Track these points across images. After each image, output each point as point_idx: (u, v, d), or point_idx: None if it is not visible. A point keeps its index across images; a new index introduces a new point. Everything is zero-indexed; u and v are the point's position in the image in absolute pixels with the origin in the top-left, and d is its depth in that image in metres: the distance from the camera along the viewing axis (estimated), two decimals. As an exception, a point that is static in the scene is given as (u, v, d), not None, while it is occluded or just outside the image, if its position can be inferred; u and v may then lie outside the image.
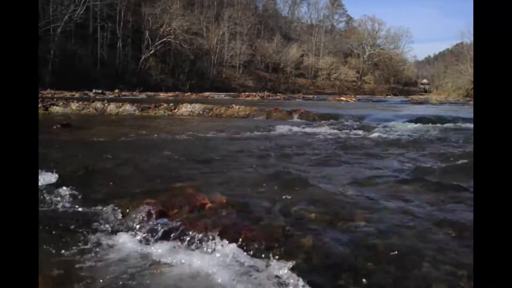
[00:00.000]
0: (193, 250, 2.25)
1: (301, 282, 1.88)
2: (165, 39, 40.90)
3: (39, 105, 11.86)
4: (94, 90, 24.44)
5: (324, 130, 8.10)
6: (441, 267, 1.79)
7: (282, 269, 2.01)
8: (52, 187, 3.47)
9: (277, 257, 2.14)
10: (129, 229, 2.62)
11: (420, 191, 3.44)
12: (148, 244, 2.35)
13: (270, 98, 28.37)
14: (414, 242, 2.22)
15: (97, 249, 2.27)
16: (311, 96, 35.94)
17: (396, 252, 2.06)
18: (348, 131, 8.07)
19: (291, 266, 2.04)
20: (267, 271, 2.00)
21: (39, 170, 3.80)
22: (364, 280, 1.84)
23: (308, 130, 8.16)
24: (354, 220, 2.64)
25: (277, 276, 2.00)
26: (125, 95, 23.89)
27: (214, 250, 2.26)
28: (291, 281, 1.91)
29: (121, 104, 12.76)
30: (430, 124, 9.08)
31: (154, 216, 2.73)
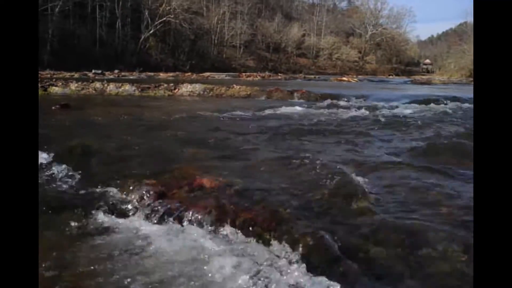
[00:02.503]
0: (192, 230, 2.22)
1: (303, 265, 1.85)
2: (164, 18, 40.33)
3: (38, 86, 11.75)
4: (93, 71, 24.23)
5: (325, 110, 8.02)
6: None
7: (282, 251, 1.98)
8: (49, 168, 3.43)
9: (277, 239, 2.12)
10: (127, 210, 2.59)
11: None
12: (147, 224, 2.32)
13: (271, 78, 28.15)
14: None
15: (95, 230, 2.24)
16: (312, 76, 35.66)
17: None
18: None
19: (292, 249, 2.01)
20: (266, 253, 1.97)
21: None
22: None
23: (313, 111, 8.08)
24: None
25: (277, 256, 1.98)
26: (124, 76, 23.70)
27: (213, 231, 2.24)
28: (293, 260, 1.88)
29: (120, 84, 12.64)
30: (432, 104, 8.99)
31: (153, 196, 2.70)
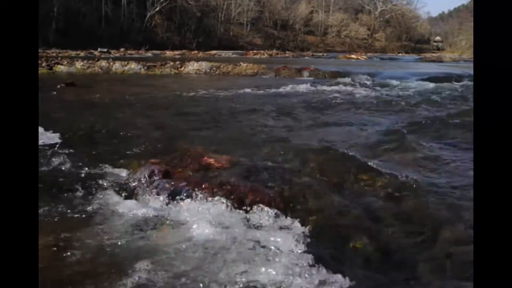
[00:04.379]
0: (197, 210, 2.16)
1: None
2: (170, -5, 39.72)
3: (43, 64, 11.68)
4: (99, 49, 24.03)
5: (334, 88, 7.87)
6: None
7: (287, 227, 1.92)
8: (54, 147, 3.38)
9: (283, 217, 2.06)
10: (132, 189, 2.53)
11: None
12: (152, 204, 2.26)
13: (279, 56, 27.79)
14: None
15: (100, 210, 2.19)
16: (320, 54, 35.17)
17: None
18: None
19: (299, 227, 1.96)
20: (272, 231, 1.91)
21: (42, 130, 3.71)
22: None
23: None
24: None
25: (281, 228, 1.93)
26: (130, 54, 23.50)
27: (220, 211, 2.18)
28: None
29: (126, 62, 12.52)
30: (445, 83, 8.78)
31: (158, 176, 2.63)
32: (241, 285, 1.49)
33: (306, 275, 1.55)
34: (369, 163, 2.83)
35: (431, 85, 8.47)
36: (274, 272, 1.55)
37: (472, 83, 8.69)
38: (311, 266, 1.62)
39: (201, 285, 1.50)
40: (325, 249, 1.81)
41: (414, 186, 2.46)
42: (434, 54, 45.48)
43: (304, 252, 1.73)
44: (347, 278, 1.54)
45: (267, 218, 2.05)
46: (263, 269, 1.57)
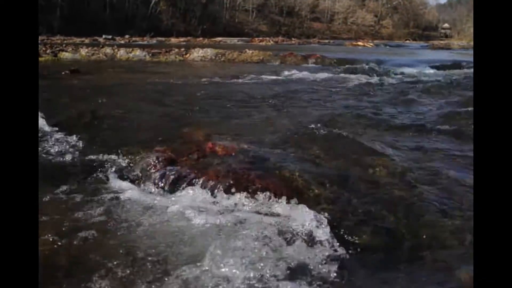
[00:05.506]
0: (202, 198, 2.12)
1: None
2: (175, -19, 39.33)
3: (48, 51, 11.63)
4: (104, 36, 23.94)
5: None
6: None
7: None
8: (58, 133, 3.35)
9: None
10: (136, 177, 2.50)
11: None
12: (156, 192, 2.23)
13: (285, 43, 27.54)
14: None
15: (103, 198, 2.15)
16: (327, 41, 34.83)
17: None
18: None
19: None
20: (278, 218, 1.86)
21: (45, 117, 3.67)
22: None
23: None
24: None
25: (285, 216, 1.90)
26: (135, 41, 23.38)
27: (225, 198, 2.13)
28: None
29: (131, 49, 12.44)
30: (456, 70, 8.63)
31: (163, 163, 2.59)
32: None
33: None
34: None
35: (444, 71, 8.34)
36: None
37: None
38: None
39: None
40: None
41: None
42: (442, 41, 44.86)
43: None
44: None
45: (276, 205, 2.01)
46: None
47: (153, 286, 1.42)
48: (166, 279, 1.45)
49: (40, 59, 10.65)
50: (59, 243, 1.67)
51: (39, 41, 15.03)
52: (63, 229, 1.79)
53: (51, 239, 1.68)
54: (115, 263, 1.54)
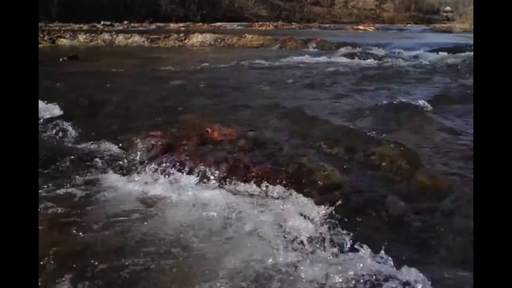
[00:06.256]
0: (201, 186, 2.09)
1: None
2: (173, -35, 38.73)
3: (46, 38, 11.52)
4: (102, 22, 23.69)
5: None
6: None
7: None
8: (55, 120, 3.31)
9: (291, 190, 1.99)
10: (134, 163, 2.46)
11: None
12: (153, 179, 2.19)
13: (285, 27, 27.26)
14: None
15: (100, 184, 2.12)
16: (327, 25, 34.46)
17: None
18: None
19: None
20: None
21: (42, 103, 3.63)
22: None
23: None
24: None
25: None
26: (134, 27, 23.14)
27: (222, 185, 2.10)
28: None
29: (129, 35, 12.32)
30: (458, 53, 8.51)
31: (160, 149, 2.55)
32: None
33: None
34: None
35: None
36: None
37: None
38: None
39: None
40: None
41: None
42: (443, 25, 44.32)
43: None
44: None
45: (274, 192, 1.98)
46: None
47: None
48: (163, 271, 1.42)
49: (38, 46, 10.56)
50: (54, 233, 1.65)
51: (36, 28, 14.92)
52: (59, 217, 1.77)
53: (45, 228, 1.65)
54: (113, 254, 1.51)
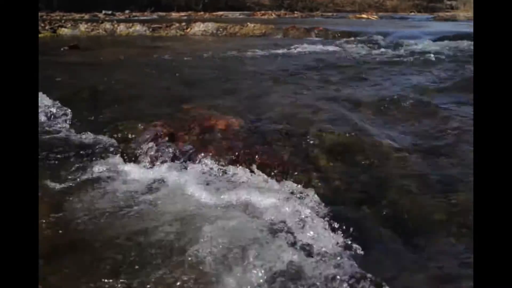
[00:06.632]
0: (203, 175, 2.08)
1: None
2: (175, -46, 38.33)
3: (47, 27, 11.46)
4: (103, 12, 23.55)
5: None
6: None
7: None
8: (55, 109, 3.29)
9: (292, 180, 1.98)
10: (135, 153, 2.45)
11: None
12: (155, 168, 2.18)
13: (287, 16, 27.01)
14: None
15: (101, 174, 2.11)
16: (330, 14, 34.12)
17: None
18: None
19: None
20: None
21: (43, 93, 3.61)
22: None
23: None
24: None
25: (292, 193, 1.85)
26: (135, 16, 22.97)
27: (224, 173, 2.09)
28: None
29: (131, 24, 12.22)
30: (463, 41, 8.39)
31: (162, 139, 2.54)
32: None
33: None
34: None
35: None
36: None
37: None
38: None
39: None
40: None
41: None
42: (447, 13, 43.81)
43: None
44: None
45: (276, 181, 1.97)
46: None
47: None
48: (168, 260, 1.42)
49: (39, 35, 10.50)
50: (56, 224, 1.64)
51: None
52: (60, 208, 1.76)
53: (47, 220, 1.65)
54: (116, 245, 1.51)
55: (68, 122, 3.09)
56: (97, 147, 2.57)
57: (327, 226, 1.57)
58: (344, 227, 1.58)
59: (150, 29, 11.72)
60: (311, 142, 2.42)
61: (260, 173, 2.05)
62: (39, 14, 17.30)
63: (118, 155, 2.42)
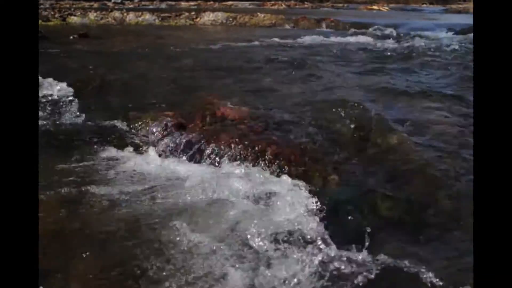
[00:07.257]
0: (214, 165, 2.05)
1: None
2: None
3: (57, 15, 11.45)
4: (113, 0, 23.49)
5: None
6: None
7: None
8: (66, 98, 3.28)
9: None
10: (145, 143, 2.43)
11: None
12: (165, 158, 2.16)
13: (297, 6, 26.77)
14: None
15: (110, 164, 2.10)
16: (340, 5, 33.73)
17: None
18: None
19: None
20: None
21: (53, 81, 3.59)
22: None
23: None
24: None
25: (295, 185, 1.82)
26: (145, 5, 22.89)
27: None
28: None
29: (140, 13, 12.17)
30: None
31: (172, 129, 2.52)
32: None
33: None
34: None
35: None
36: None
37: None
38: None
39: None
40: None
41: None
42: (460, 5, 43.13)
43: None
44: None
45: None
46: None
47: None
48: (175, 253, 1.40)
49: (48, 23, 10.50)
50: (64, 212, 1.63)
51: (47, 6, 14.82)
52: (68, 196, 1.75)
53: (55, 207, 1.64)
54: (122, 233, 1.49)
55: (78, 109, 3.07)
56: (106, 135, 2.55)
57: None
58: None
59: (160, 18, 11.67)
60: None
61: (273, 162, 2.02)
62: (49, 2, 17.32)
63: (127, 143, 2.40)
